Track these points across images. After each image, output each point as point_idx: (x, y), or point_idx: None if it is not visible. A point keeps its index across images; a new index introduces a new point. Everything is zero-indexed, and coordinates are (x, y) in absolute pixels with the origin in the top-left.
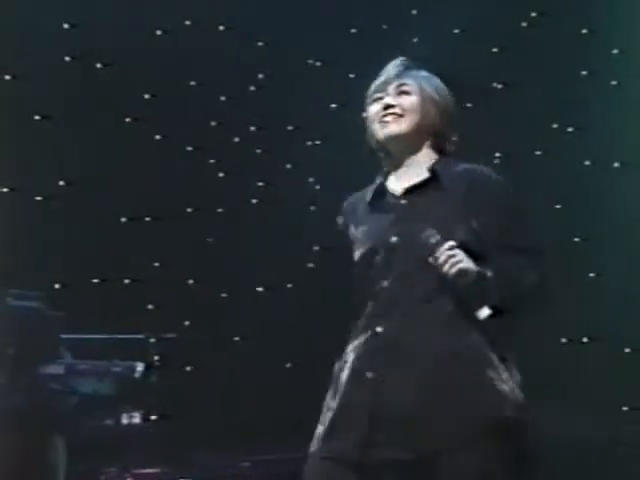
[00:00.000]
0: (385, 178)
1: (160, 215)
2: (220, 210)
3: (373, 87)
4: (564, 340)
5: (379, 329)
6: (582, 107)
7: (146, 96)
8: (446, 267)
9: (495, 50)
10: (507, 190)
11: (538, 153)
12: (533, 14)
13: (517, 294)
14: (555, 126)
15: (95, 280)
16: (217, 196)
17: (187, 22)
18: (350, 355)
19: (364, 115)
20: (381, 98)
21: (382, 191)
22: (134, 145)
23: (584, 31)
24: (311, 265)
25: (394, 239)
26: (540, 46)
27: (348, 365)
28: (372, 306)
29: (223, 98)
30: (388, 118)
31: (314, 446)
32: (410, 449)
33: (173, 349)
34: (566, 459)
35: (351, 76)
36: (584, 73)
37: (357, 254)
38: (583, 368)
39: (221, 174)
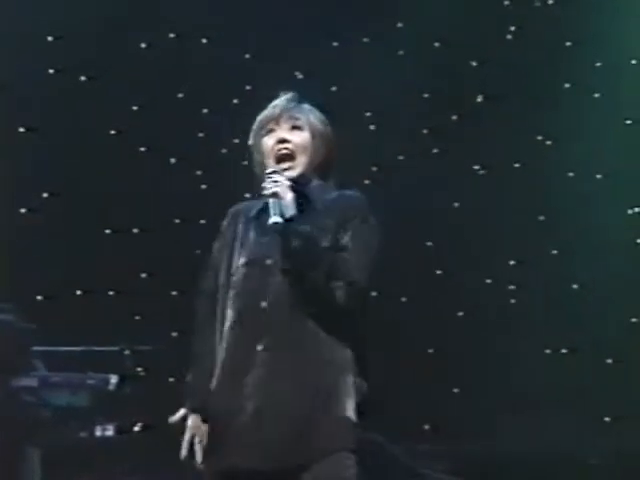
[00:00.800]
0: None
1: (144, 227)
2: (203, 222)
3: (264, 117)
4: (548, 351)
5: (259, 347)
6: (564, 119)
7: (134, 108)
8: (267, 186)
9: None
10: (364, 206)
11: (517, 165)
12: (512, 28)
13: (311, 262)
14: (539, 138)
15: (71, 291)
16: (201, 207)
17: (171, 35)
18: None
19: (250, 143)
20: (273, 130)
21: (265, 211)
22: (119, 157)
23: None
24: None
25: (269, 261)
26: (523, 58)
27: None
28: (250, 322)
29: (205, 111)
30: (284, 161)
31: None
32: (270, 462)
33: (148, 361)
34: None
35: (333, 89)
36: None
37: (235, 263)
38: (564, 379)
39: (204, 186)
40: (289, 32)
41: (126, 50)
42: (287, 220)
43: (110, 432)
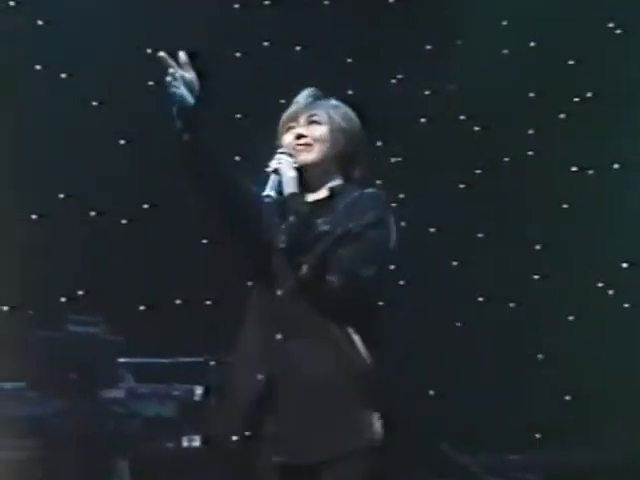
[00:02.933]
0: None
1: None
2: None
3: (284, 117)
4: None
5: (278, 336)
6: None
7: (237, 115)
8: (272, 163)
9: None
10: (378, 205)
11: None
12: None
13: (304, 242)
14: None
15: (153, 303)
16: None
17: (265, 43)
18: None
19: (276, 144)
20: (293, 128)
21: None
22: None
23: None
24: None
25: (282, 245)
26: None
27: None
28: (268, 311)
29: None
30: (300, 147)
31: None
32: (291, 456)
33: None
34: None
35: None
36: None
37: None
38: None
39: None
40: (383, 34)
41: (224, 61)
42: (284, 199)
43: (197, 442)
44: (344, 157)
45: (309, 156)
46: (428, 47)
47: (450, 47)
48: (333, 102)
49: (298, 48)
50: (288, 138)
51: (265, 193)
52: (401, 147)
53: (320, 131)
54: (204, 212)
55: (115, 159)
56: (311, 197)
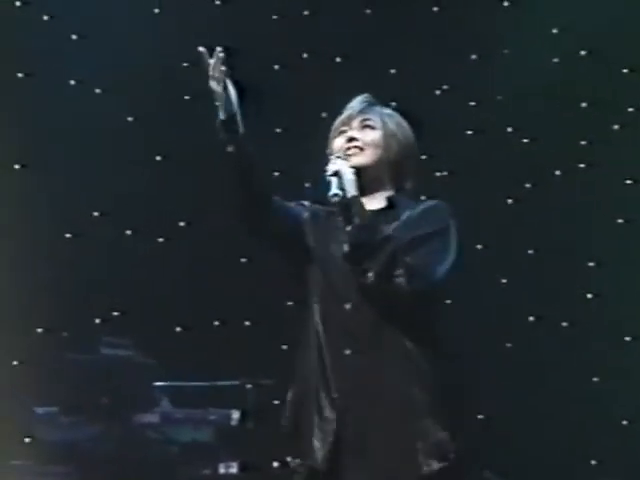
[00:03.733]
0: None
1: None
2: None
3: (337, 122)
4: None
5: (347, 352)
6: None
7: (278, 130)
8: (330, 166)
9: None
10: (443, 217)
11: None
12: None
13: (370, 246)
14: None
15: (189, 324)
16: None
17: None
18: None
19: (327, 151)
20: (345, 132)
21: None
22: None
23: None
24: None
25: (346, 248)
26: None
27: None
28: (335, 326)
29: None
30: (351, 151)
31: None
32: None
33: (270, 396)
34: None
35: (387, 110)
36: None
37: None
38: None
39: None
40: (428, 43)
41: (262, 74)
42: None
43: (234, 469)
44: (396, 165)
45: (361, 159)
46: (474, 56)
47: (497, 56)
48: (387, 110)
49: (338, 59)
50: (339, 142)
51: (332, 192)
52: (446, 160)
53: (373, 135)
54: (242, 229)
55: (150, 176)
56: (367, 204)
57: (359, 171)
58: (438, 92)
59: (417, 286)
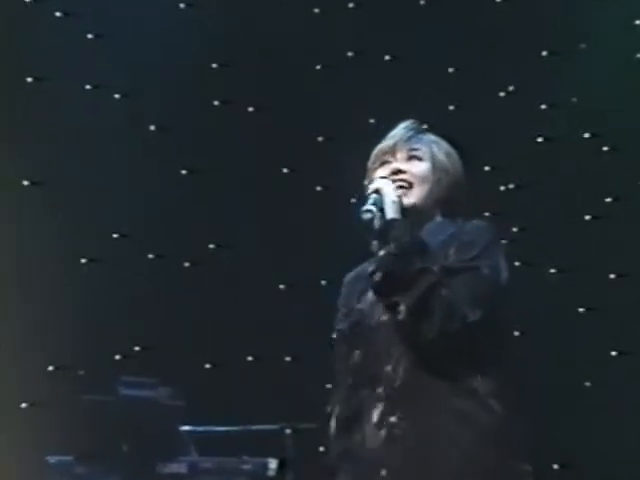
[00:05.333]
0: None
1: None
2: None
3: (379, 150)
4: None
5: (393, 419)
6: None
7: (319, 138)
8: (372, 184)
9: None
10: (483, 238)
11: None
12: None
13: (403, 278)
14: None
15: (220, 360)
16: None
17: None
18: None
19: (365, 182)
20: (388, 162)
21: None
22: (289, 199)
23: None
24: None
25: (384, 317)
26: None
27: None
28: (371, 389)
29: None
30: (397, 185)
31: None
32: None
33: (313, 442)
34: None
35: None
36: None
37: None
38: None
39: None
40: (491, 39)
41: (297, 75)
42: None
43: None
44: (447, 200)
45: (408, 199)
46: (544, 53)
47: (571, 52)
48: (433, 137)
49: (387, 57)
50: (381, 173)
51: (365, 207)
52: (513, 172)
53: (421, 168)
54: (280, 253)
55: (176, 192)
56: None
57: (405, 210)
58: (503, 94)
59: (453, 327)
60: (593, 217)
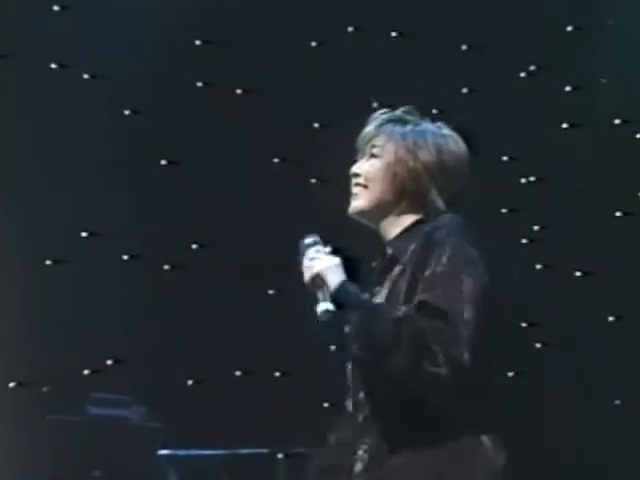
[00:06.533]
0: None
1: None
2: None
3: (355, 148)
4: None
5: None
6: None
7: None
8: (305, 272)
9: None
10: (454, 254)
11: None
12: None
13: (377, 351)
14: None
15: (204, 376)
16: None
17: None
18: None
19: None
20: (356, 162)
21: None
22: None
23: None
24: None
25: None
26: None
27: None
28: (347, 426)
29: None
30: (354, 190)
31: None
32: None
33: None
34: None
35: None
36: None
37: None
38: None
39: None
40: (509, 14)
41: (289, 53)
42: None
43: None
44: (409, 193)
45: (358, 203)
46: (569, 28)
47: (599, 27)
48: (408, 127)
49: (394, 34)
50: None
51: (321, 309)
52: (534, 163)
53: (374, 167)
54: (271, 254)
55: (154, 185)
56: (388, 230)
57: (362, 217)
58: (523, 74)
59: (455, 370)
60: (624, 213)
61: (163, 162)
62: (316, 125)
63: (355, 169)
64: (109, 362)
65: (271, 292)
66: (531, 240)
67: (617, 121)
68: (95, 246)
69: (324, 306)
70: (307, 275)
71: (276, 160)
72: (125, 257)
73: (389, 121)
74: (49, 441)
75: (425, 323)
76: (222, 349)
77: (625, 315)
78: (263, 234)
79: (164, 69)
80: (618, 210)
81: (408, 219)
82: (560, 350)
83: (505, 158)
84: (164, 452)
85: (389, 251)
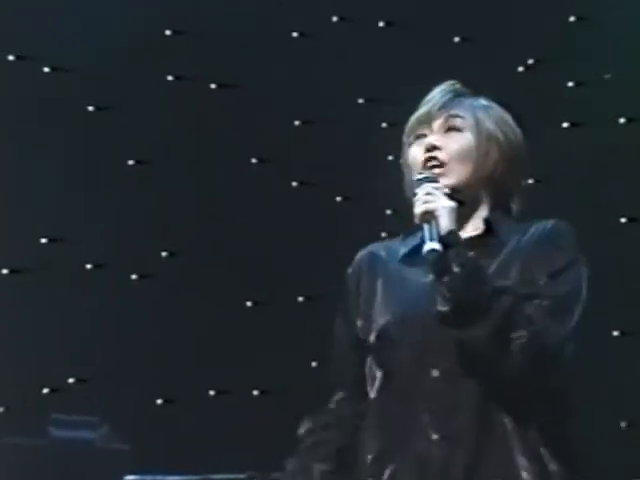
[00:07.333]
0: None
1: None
2: None
3: (414, 120)
4: None
5: (435, 436)
6: None
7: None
8: (416, 203)
9: None
10: (571, 245)
11: None
12: None
13: (477, 304)
14: None
15: (175, 395)
16: None
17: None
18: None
19: (401, 161)
20: (424, 135)
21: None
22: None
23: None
24: None
25: (444, 308)
26: None
27: None
28: (414, 403)
29: None
30: (432, 168)
31: None
32: None
33: None
34: None
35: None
36: None
37: (376, 327)
38: None
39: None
40: (507, 8)
41: (268, 44)
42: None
43: None
44: (496, 180)
45: (444, 180)
46: (572, 18)
47: (604, 18)
48: (483, 101)
49: (381, 24)
50: (417, 152)
51: (427, 248)
52: (533, 164)
53: (461, 142)
54: (248, 264)
55: (120, 187)
56: (462, 234)
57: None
58: (521, 69)
59: (543, 354)
60: (630, 219)
61: (130, 162)
62: (297, 123)
63: (432, 141)
64: (71, 380)
65: (249, 304)
66: None
67: (622, 120)
68: (56, 254)
69: (431, 245)
70: (420, 208)
71: (254, 161)
72: (89, 266)
73: (457, 93)
74: (5, 467)
75: (531, 306)
76: (195, 366)
77: (631, 330)
78: (240, 241)
79: (131, 61)
80: (623, 216)
81: (484, 209)
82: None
83: None
84: (131, 477)
85: (483, 225)
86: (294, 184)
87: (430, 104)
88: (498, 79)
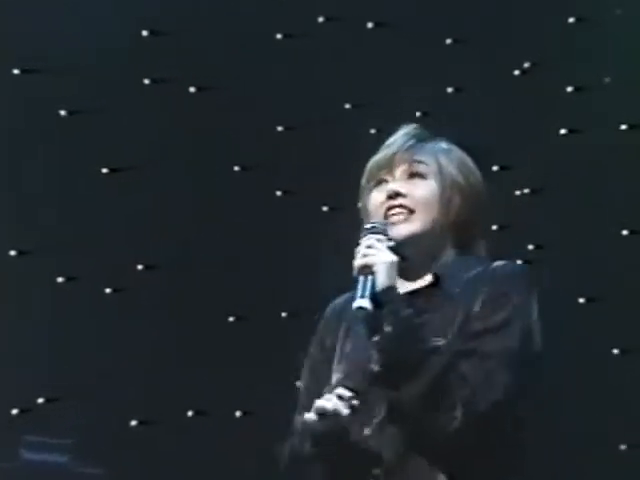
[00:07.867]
0: None
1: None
2: None
3: (373, 164)
4: None
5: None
6: None
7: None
8: (357, 256)
9: None
10: (520, 287)
11: None
12: None
13: (409, 365)
14: None
15: (150, 416)
16: None
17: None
18: None
19: (359, 205)
20: (385, 181)
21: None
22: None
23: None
24: None
25: (376, 367)
26: None
27: None
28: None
29: None
30: (395, 215)
31: None
32: None
33: None
34: None
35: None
36: None
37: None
38: None
39: None
40: (503, 9)
41: (251, 46)
42: (377, 303)
43: None
44: (460, 226)
45: (408, 227)
46: (570, 20)
47: (604, 19)
48: (444, 145)
49: (370, 25)
50: (378, 197)
51: (355, 304)
52: (530, 173)
53: (425, 189)
54: (229, 277)
55: (93, 196)
56: (409, 286)
57: (403, 244)
58: (517, 72)
59: (475, 420)
60: (631, 232)
61: (104, 170)
62: (280, 129)
63: (396, 188)
64: (40, 400)
65: (231, 319)
66: (525, 261)
67: (623, 127)
68: (25, 266)
69: (360, 302)
70: (358, 261)
71: (236, 168)
72: (60, 279)
73: (419, 137)
74: None
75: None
76: (172, 385)
77: (632, 348)
78: (220, 253)
79: (106, 64)
80: (624, 228)
81: (445, 254)
82: (563, 388)
83: (495, 168)
84: None
85: (431, 277)
86: (278, 193)
87: (391, 148)
88: (493, 82)
